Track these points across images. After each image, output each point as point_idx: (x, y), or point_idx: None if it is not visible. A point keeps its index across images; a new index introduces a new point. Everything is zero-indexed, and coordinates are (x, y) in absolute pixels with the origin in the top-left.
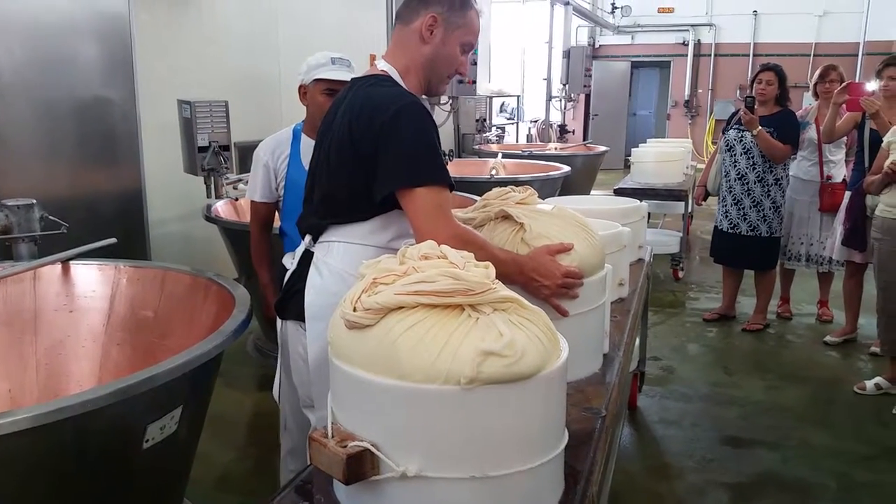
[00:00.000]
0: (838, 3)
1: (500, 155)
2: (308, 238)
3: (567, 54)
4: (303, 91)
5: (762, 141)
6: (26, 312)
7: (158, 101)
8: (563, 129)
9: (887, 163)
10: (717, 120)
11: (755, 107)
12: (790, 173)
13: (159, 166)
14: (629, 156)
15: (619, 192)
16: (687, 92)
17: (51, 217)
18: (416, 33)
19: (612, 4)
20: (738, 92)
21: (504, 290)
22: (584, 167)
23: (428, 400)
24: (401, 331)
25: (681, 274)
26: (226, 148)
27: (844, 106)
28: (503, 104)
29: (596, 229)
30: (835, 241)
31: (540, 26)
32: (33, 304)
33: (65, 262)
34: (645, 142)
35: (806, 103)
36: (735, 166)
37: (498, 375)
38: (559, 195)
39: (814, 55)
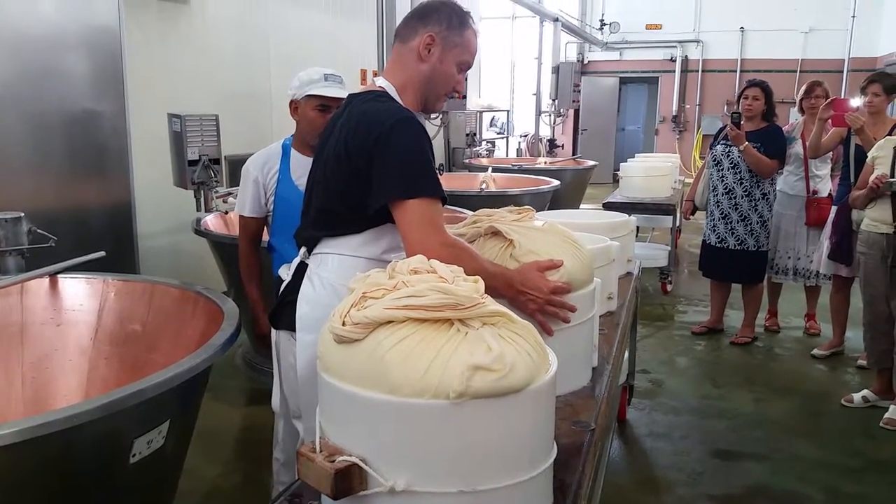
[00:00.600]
0: (824, 21)
1: (490, 169)
2: (303, 250)
3: (556, 70)
4: (294, 106)
5: (749, 156)
6: (13, 326)
7: (148, 114)
8: (552, 144)
9: (872, 177)
10: (704, 135)
11: (742, 122)
12: (777, 188)
13: (149, 180)
14: (618, 170)
15: (608, 207)
16: (675, 107)
17: (39, 230)
18: (414, 51)
19: (601, 21)
20: (725, 107)
21: (493, 305)
22: (574, 181)
23: (417, 414)
24: (390, 345)
25: (669, 287)
26: (216, 161)
27: (830, 121)
28: (493, 119)
29: (585, 243)
30: (821, 255)
31: (529, 42)
32: (20, 318)
33: (52, 276)
34: (633, 156)
35: (792, 119)
36: (722, 181)
37: (487, 390)
38: (548, 209)
39: (800, 71)
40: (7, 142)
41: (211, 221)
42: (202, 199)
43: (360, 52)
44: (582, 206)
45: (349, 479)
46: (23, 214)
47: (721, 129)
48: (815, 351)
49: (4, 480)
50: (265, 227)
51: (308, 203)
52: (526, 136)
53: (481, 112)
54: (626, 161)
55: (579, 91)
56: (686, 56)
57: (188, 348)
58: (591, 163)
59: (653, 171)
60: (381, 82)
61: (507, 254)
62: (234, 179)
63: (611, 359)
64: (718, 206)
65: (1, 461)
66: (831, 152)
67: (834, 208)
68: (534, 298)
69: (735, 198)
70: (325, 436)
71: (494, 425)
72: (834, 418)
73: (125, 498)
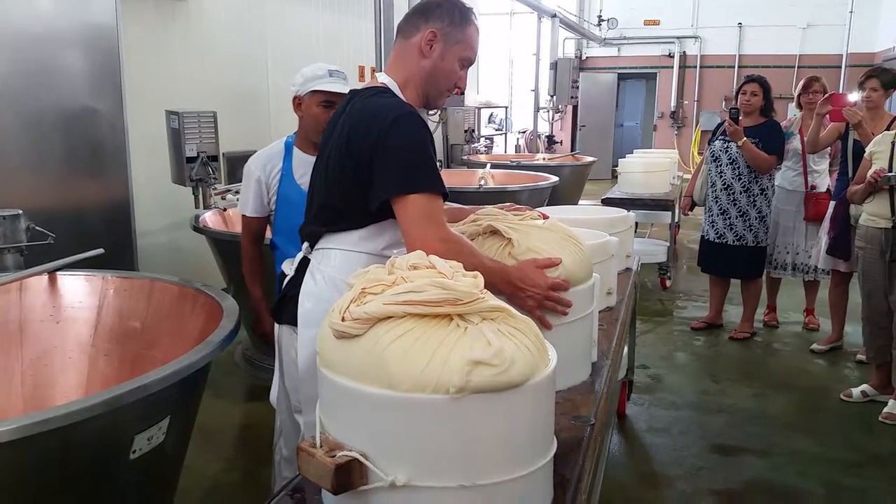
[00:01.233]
0: (822, 16)
1: (488, 165)
2: (305, 245)
3: (554, 66)
4: (297, 102)
5: (747, 151)
6: (12, 323)
7: (146, 111)
8: (550, 140)
9: (870, 172)
10: (702, 131)
11: (740, 118)
12: (775, 183)
13: (147, 177)
14: (616, 166)
15: (607, 202)
16: (673, 103)
17: (37, 228)
18: (415, 48)
19: (599, 17)
20: (723, 103)
21: (492, 300)
22: (572, 177)
23: (417, 409)
24: (389, 340)
25: (668, 283)
26: (214, 158)
27: (828, 117)
28: (491, 115)
29: (584, 239)
30: (820, 250)
31: (527, 38)
32: (19, 315)
33: (51, 273)
34: (632, 152)
35: (790, 114)
36: (721, 177)
37: (487, 385)
38: (547, 205)
39: (798, 67)
40: (5, 139)
41: (209, 218)
42: (200, 196)
43: (358, 48)
44: (581, 201)
45: (349, 473)
46: (21, 212)
47: (719, 125)
48: (813, 346)
49: (4, 477)
50: (268, 226)
51: (311, 199)
52: (524, 132)
53: (480, 108)
54: (624, 157)
55: (577, 87)
56: (684, 52)
57: (188, 345)
58: (590, 159)
59: (651, 167)
60: (382, 78)
61: (506, 252)
62: (233, 176)
63: (610, 354)
64: (717, 201)
65: (0, 458)
66: (829, 147)
67: (832, 203)
68: (532, 295)
69: (733, 193)
70: (326, 431)
71: (494, 420)
72: (833, 413)
73: (125, 494)
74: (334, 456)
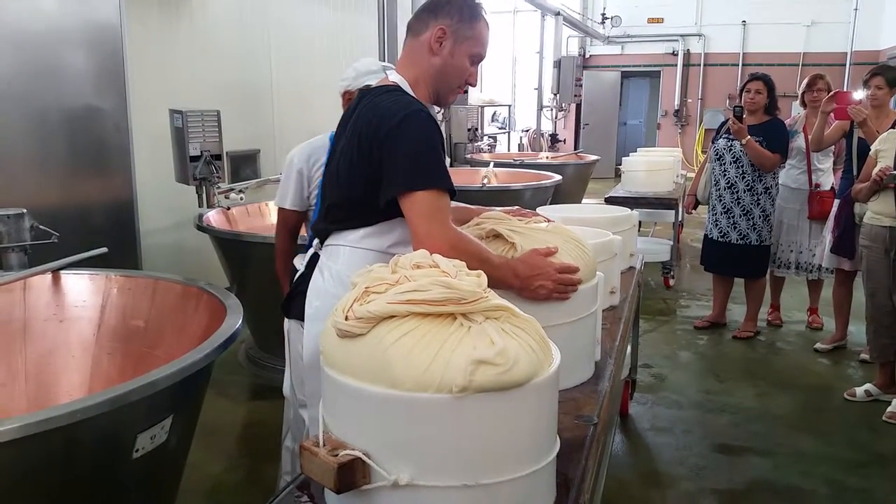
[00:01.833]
0: (826, 14)
1: (491, 164)
2: (316, 241)
3: (558, 64)
4: (347, 97)
5: (751, 150)
6: (16, 322)
7: (150, 110)
8: (554, 139)
9: (875, 171)
10: (706, 129)
11: (744, 116)
12: (779, 182)
13: (151, 176)
14: (620, 165)
15: (610, 201)
16: (676, 101)
17: (41, 227)
18: (425, 45)
19: (602, 15)
20: (727, 101)
21: (496, 299)
22: (576, 176)
23: (420, 408)
24: (392, 340)
25: (671, 282)
26: (218, 157)
27: (832, 115)
28: (495, 113)
29: (587, 238)
30: (824, 249)
31: (531, 37)
32: (23, 314)
33: (55, 272)
34: (635, 151)
35: (794, 112)
36: (725, 175)
37: (490, 384)
38: (550, 204)
39: (802, 65)
40: (9, 138)
41: (213, 217)
42: (204, 195)
43: (361, 46)
44: (584, 200)
45: (352, 473)
46: (25, 211)
47: (723, 123)
48: (817, 345)
49: (7, 476)
50: (305, 221)
51: (323, 196)
52: (528, 130)
53: (483, 107)
54: (628, 155)
55: (581, 85)
56: (688, 50)
57: (191, 344)
58: (593, 157)
59: (655, 166)
60: (393, 76)
61: (509, 256)
62: (236, 175)
63: (613, 353)
64: (721, 200)
65: (4, 457)
66: (833, 146)
67: (836, 202)
68: (544, 284)
69: (737, 192)
70: (329, 430)
71: (497, 419)
72: (836, 412)
73: (128, 493)
74: (337, 455)
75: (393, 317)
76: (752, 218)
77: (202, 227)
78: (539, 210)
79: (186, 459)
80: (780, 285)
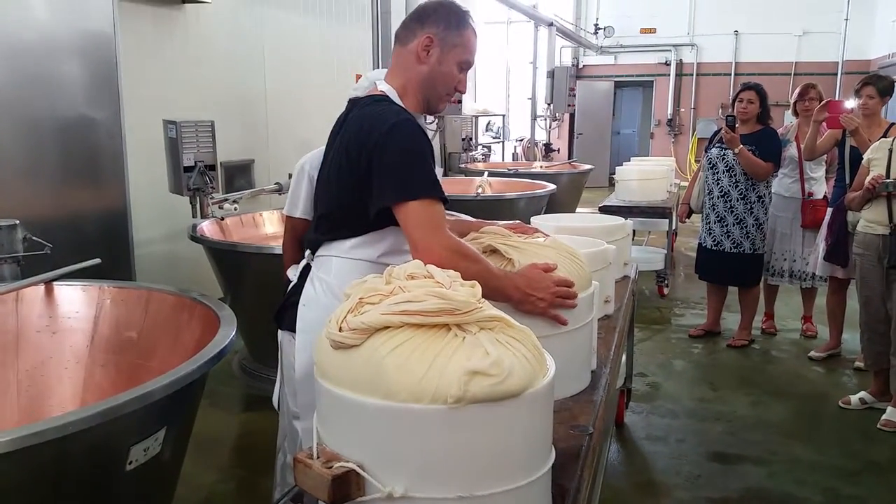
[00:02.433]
0: (817, 24)
1: (486, 173)
2: (308, 252)
3: (551, 74)
4: None
5: (744, 159)
6: (8, 334)
7: (144, 120)
8: (548, 148)
9: (868, 179)
10: (699, 138)
11: (736, 125)
12: (772, 190)
13: (144, 186)
14: (613, 174)
15: (604, 210)
16: (669, 111)
17: (34, 238)
18: (413, 53)
19: (595, 25)
20: (719, 111)
21: (490, 310)
22: (569, 185)
23: (414, 420)
24: (387, 351)
25: (666, 290)
26: (212, 167)
27: (825, 124)
28: (489, 123)
29: (581, 248)
30: (817, 257)
31: (524, 47)
32: (15, 326)
33: (48, 283)
34: (629, 160)
35: (787, 121)
36: (718, 184)
37: (484, 394)
38: (544, 213)
39: (794, 74)
40: (1, 148)
41: (207, 228)
42: (198, 206)
43: (355, 56)
44: (578, 209)
45: (347, 485)
46: (17, 222)
47: (716, 133)
48: (811, 353)
49: None
50: None
51: (315, 208)
52: (521, 140)
53: (477, 117)
54: (621, 165)
55: (574, 95)
56: (680, 59)
57: (185, 355)
58: (587, 167)
59: (648, 175)
60: (382, 86)
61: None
62: (230, 185)
63: (608, 362)
64: (714, 209)
65: None
66: (826, 154)
67: (829, 210)
68: (543, 297)
69: (731, 201)
70: (323, 441)
71: (492, 430)
72: (831, 420)
73: None
74: (331, 467)
75: (387, 328)
76: (746, 226)
77: (196, 238)
78: (533, 220)
79: (180, 471)
80: (773, 294)
